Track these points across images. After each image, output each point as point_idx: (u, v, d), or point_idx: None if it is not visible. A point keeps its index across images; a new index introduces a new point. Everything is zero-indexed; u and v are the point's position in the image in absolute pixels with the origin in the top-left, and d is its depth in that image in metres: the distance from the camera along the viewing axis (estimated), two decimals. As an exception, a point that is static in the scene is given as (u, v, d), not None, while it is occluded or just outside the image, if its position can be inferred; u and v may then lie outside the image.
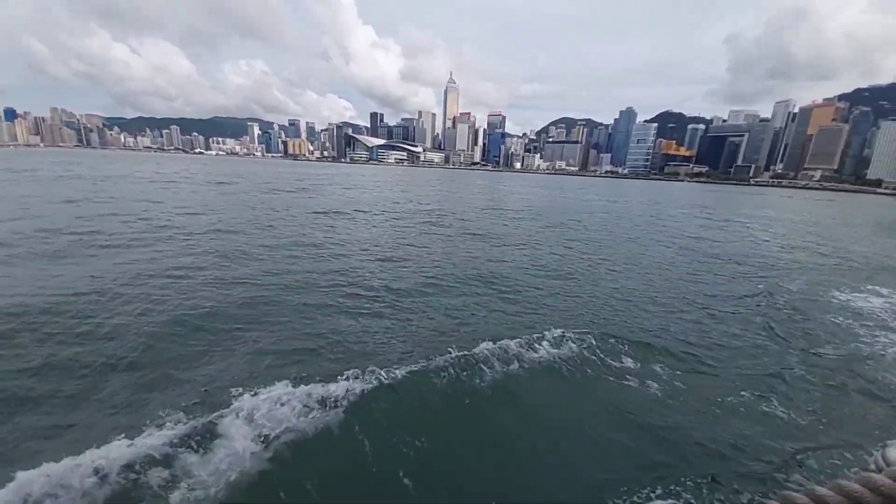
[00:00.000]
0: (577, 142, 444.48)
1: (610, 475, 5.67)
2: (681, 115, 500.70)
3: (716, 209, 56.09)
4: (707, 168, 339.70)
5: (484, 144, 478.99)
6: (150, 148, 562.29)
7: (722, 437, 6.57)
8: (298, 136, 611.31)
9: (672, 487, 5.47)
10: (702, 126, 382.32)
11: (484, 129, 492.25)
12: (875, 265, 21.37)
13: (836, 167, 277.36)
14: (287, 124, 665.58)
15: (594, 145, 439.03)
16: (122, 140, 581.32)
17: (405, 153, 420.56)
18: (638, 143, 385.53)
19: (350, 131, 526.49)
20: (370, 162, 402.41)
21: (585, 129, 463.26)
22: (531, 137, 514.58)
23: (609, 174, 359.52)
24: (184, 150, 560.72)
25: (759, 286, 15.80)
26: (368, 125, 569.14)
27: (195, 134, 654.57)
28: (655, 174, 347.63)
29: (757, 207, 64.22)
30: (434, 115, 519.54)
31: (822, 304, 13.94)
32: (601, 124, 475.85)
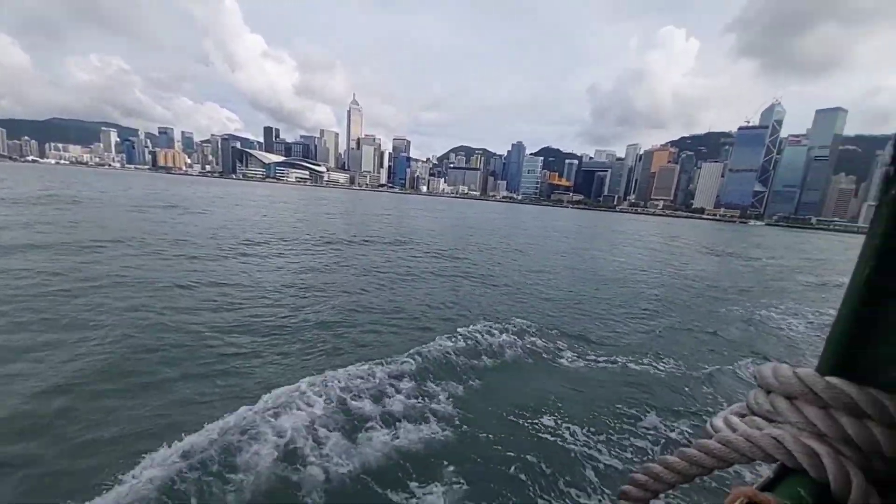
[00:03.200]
0: (476, 169, 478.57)
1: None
2: (558, 150, 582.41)
3: (597, 230, 72.26)
4: (583, 196, 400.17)
5: (390, 167, 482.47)
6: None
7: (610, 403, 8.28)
8: (171, 146, 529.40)
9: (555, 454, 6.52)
10: (576, 161, 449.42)
11: (389, 153, 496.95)
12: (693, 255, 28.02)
13: (672, 198, 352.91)
14: (157, 132, 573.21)
15: (491, 173, 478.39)
16: None
17: (307, 172, 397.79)
18: (528, 173, 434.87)
19: (239, 145, 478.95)
20: (267, 180, 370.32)
21: (483, 158, 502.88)
22: (434, 163, 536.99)
23: (506, 199, 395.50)
24: (10, 158, 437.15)
25: (642, 287, 20.85)
26: (261, 140, 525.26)
27: (26, 138, 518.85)
28: (545, 201, 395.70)
29: (624, 228, 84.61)
30: (336, 134, 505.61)
31: (684, 292, 20.28)
32: (496, 154, 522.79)
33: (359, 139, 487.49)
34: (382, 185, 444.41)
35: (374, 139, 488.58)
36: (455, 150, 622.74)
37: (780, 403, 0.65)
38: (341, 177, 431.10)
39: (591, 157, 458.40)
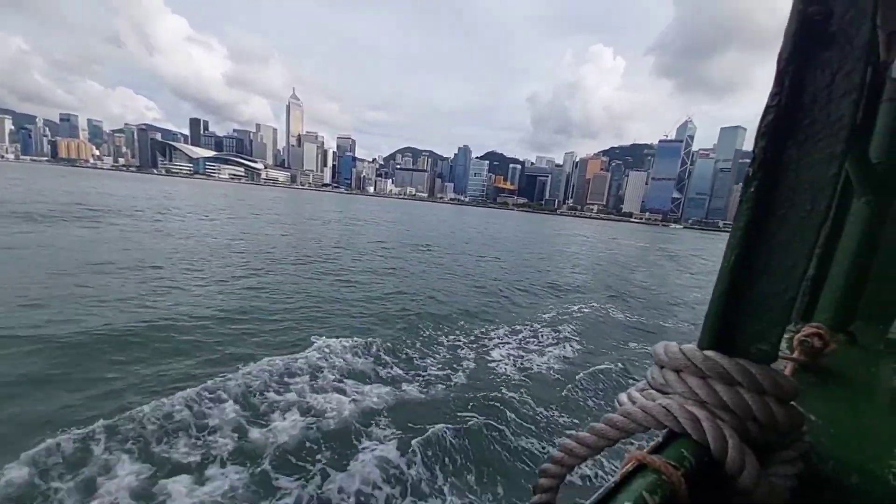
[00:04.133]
0: (423, 170, 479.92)
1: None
2: (502, 155, 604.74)
3: (550, 232, 77.51)
4: (527, 200, 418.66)
5: (334, 166, 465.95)
6: None
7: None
8: (75, 134, 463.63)
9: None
10: (519, 166, 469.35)
11: (334, 151, 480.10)
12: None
13: (605, 203, 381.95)
14: (58, 120, 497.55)
15: (438, 175, 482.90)
16: None
17: (243, 169, 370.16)
18: (475, 175, 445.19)
19: (160, 136, 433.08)
20: (195, 176, 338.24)
21: (429, 160, 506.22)
22: (380, 163, 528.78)
23: (454, 201, 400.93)
24: None
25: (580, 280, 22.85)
26: (186, 132, 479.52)
27: None
28: (491, 203, 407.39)
29: (569, 230, 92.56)
30: (275, 129, 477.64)
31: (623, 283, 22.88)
32: (443, 157, 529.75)
33: (300, 136, 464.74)
34: (326, 185, 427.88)
35: (317, 136, 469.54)
36: (402, 151, 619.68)
37: (669, 376, 0.74)
38: (281, 175, 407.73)
39: (532, 163, 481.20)
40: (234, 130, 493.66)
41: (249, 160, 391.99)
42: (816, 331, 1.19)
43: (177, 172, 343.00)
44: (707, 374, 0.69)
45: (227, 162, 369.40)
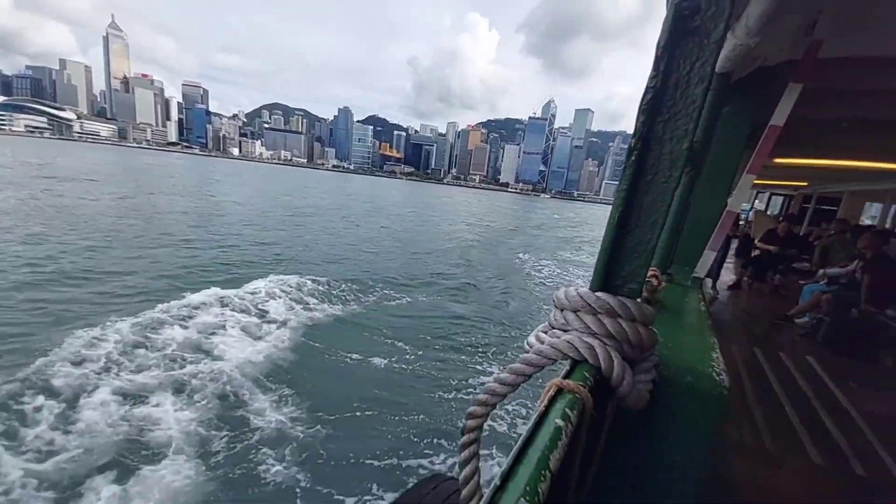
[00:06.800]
0: (299, 132, 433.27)
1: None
2: (385, 120, 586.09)
3: (430, 197, 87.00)
4: (414, 168, 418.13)
5: (181, 120, 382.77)
6: None
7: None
8: None
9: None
10: (404, 133, 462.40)
11: (179, 102, 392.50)
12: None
13: (486, 173, 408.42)
14: None
15: (317, 138, 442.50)
16: None
17: (45, 119, 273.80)
18: (359, 141, 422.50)
19: None
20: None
21: (305, 121, 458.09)
22: (243, 120, 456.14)
23: (338, 168, 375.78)
24: None
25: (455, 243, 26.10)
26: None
27: None
28: (378, 171, 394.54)
29: (453, 197, 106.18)
30: (87, 67, 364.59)
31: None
32: (321, 118, 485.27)
33: (126, 78, 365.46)
34: (173, 144, 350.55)
35: (153, 81, 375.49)
36: (269, 108, 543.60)
37: (569, 316, 0.90)
38: (103, 128, 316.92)
39: (416, 131, 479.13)
40: (28, 68, 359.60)
41: (55, 107, 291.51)
42: (654, 273, 1.52)
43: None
44: (598, 310, 0.87)
45: (20, 109, 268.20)
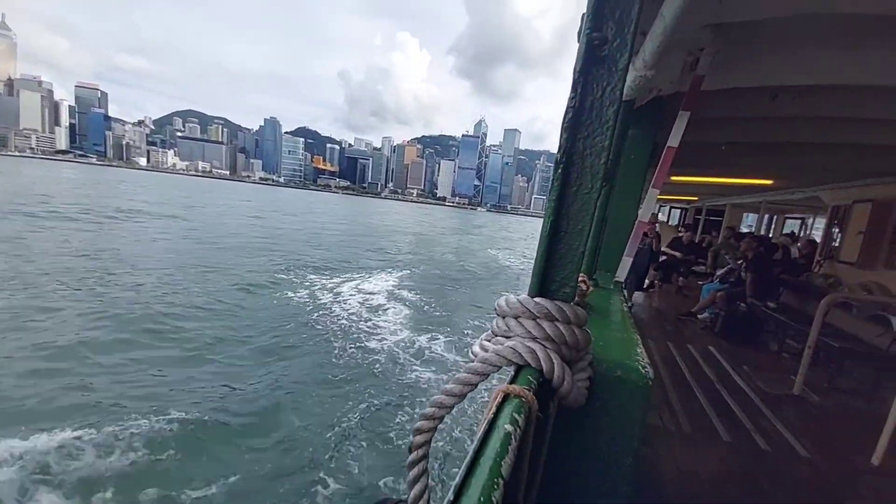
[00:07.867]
0: (219, 142, 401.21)
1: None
2: (317, 133, 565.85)
3: (366, 212, 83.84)
4: (349, 182, 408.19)
5: (73, 126, 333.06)
6: None
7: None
8: None
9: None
10: (338, 146, 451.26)
11: (70, 106, 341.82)
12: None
13: (423, 188, 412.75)
14: None
15: (241, 149, 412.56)
16: None
17: None
18: (289, 153, 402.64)
19: None
20: None
21: (226, 130, 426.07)
22: (151, 127, 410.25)
23: (266, 181, 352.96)
24: None
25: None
26: None
27: None
28: (311, 185, 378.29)
29: (389, 212, 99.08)
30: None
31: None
32: (244, 128, 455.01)
33: (11, 80, 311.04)
34: (64, 152, 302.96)
35: (39, 82, 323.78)
36: (182, 115, 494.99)
37: (511, 323, 0.92)
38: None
39: (350, 145, 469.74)
40: None
41: None
42: (583, 278, 1.63)
43: None
44: (537, 315, 0.90)
45: None
